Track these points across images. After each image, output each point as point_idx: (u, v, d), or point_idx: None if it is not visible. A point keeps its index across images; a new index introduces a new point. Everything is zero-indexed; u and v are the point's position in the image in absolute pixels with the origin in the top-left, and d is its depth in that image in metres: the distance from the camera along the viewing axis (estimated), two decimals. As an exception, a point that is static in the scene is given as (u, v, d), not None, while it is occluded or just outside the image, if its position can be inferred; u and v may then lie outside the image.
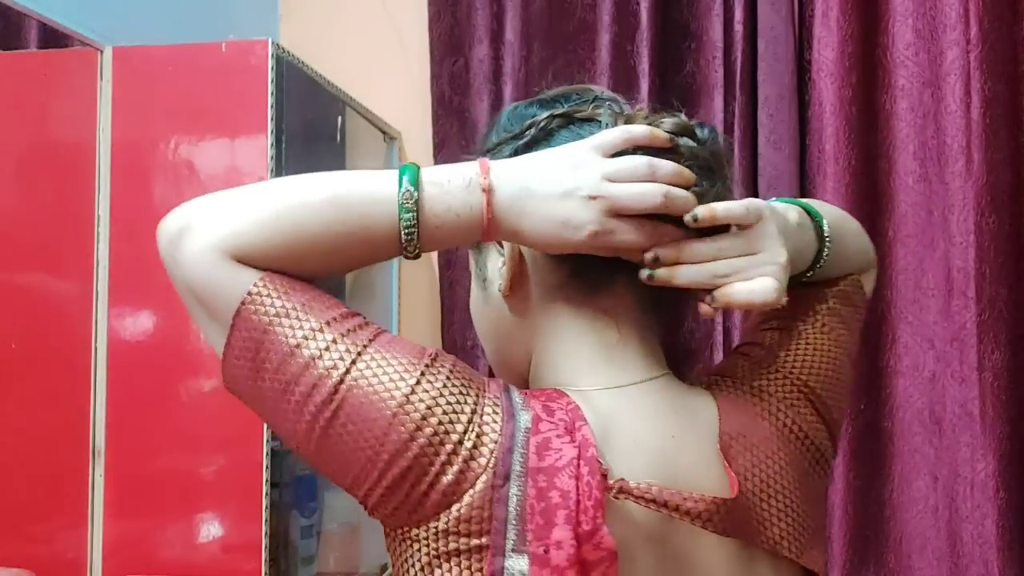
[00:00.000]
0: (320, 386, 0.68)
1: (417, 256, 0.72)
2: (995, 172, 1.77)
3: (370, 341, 0.70)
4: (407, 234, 0.70)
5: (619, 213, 0.71)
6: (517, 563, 0.67)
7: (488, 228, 0.71)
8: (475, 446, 0.68)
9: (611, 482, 0.69)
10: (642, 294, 0.78)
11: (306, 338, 0.69)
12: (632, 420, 0.75)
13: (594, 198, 0.70)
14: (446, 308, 2.05)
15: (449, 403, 0.69)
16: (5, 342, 1.49)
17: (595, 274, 0.77)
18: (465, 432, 0.68)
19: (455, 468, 0.68)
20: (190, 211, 0.71)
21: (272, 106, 1.54)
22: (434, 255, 2.10)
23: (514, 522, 0.67)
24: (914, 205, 1.83)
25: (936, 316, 1.81)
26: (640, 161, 0.71)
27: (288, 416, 0.70)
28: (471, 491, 0.68)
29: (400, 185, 0.70)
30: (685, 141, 0.75)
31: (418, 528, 0.69)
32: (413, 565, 0.70)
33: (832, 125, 1.85)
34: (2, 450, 1.48)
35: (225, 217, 0.70)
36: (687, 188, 0.72)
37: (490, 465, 0.68)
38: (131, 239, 1.57)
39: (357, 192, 0.71)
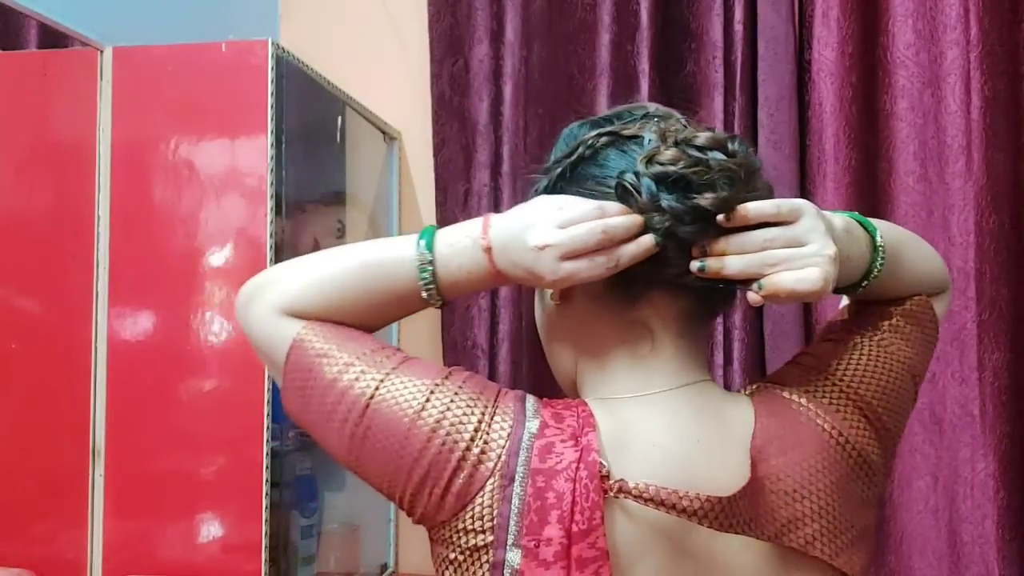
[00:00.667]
0: (354, 409, 0.79)
1: (443, 306, 0.83)
2: (995, 172, 1.77)
3: (394, 368, 0.80)
4: (427, 291, 0.81)
5: (572, 256, 0.76)
6: (514, 556, 0.74)
7: (498, 278, 0.81)
8: (483, 451, 0.76)
9: (610, 483, 0.74)
10: (681, 304, 0.83)
11: (341, 372, 0.80)
12: (654, 426, 0.80)
13: (542, 248, 0.76)
14: (446, 309, 2.05)
15: (456, 415, 0.78)
16: (5, 342, 1.49)
17: (632, 285, 0.81)
18: (473, 439, 0.77)
19: (466, 472, 0.76)
20: (259, 281, 0.87)
21: (272, 106, 1.54)
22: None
23: (515, 519, 0.74)
24: (914, 205, 1.83)
25: (936, 316, 1.81)
26: (588, 208, 0.77)
27: (333, 436, 0.81)
28: (482, 492, 0.76)
29: (417, 248, 0.81)
30: (714, 155, 0.78)
31: (444, 528, 0.78)
32: (444, 560, 0.78)
33: (832, 125, 1.85)
34: (2, 450, 1.48)
35: (280, 287, 0.85)
36: (636, 232, 0.77)
37: (497, 468, 0.76)
38: (131, 239, 1.57)
39: (383, 257, 0.83)
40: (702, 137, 0.79)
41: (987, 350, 1.75)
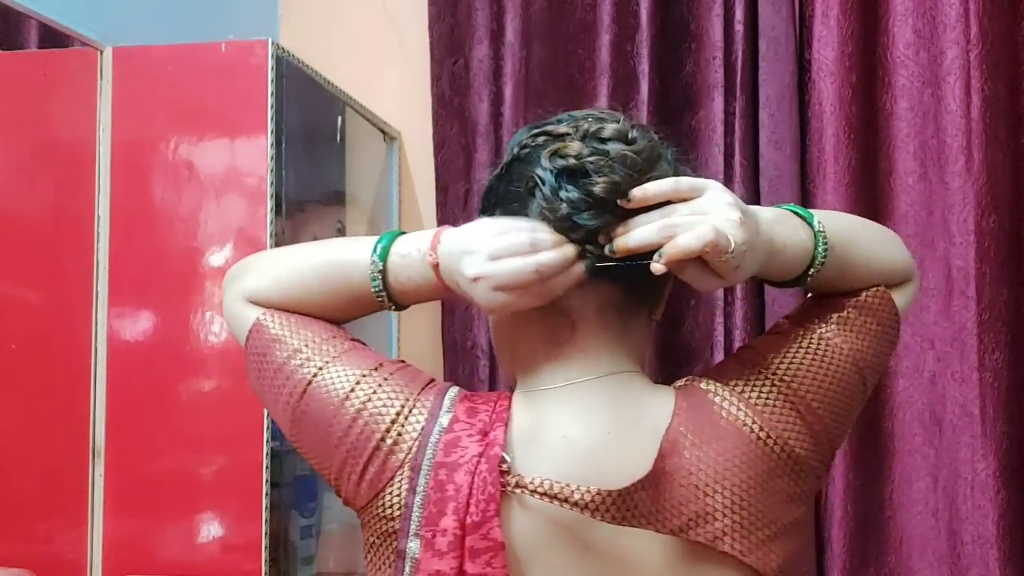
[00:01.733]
0: (294, 392, 0.85)
1: (398, 310, 0.87)
2: (995, 172, 1.77)
3: (335, 357, 0.85)
4: (378, 297, 0.85)
5: (503, 288, 0.78)
6: (414, 545, 0.78)
7: (447, 292, 0.83)
8: (395, 443, 0.80)
9: (509, 477, 0.77)
10: (603, 295, 0.83)
11: (289, 358, 0.86)
12: (566, 418, 0.82)
13: (476, 280, 0.78)
14: (446, 309, 2.06)
15: (376, 406, 0.82)
16: (5, 342, 1.49)
17: None
18: (388, 430, 0.81)
19: (379, 461, 0.80)
20: (237, 268, 0.94)
21: (272, 106, 1.54)
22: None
23: (417, 510, 0.78)
24: (914, 205, 1.83)
25: (936, 316, 1.81)
26: (522, 240, 0.78)
27: (279, 415, 0.87)
28: (392, 481, 0.80)
29: (371, 255, 0.84)
30: (614, 145, 0.80)
31: (363, 512, 0.82)
32: (366, 543, 0.83)
33: (832, 125, 1.85)
34: (2, 450, 1.48)
35: (253, 275, 0.91)
36: (570, 262, 0.78)
37: (407, 460, 0.80)
38: (131, 239, 1.57)
39: (343, 259, 0.87)
40: (608, 129, 0.81)
41: (987, 350, 1.75)
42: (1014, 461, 1.75)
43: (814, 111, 1.88)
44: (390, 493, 0.79)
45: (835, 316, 0.87)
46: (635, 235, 0.77)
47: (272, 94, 1.54)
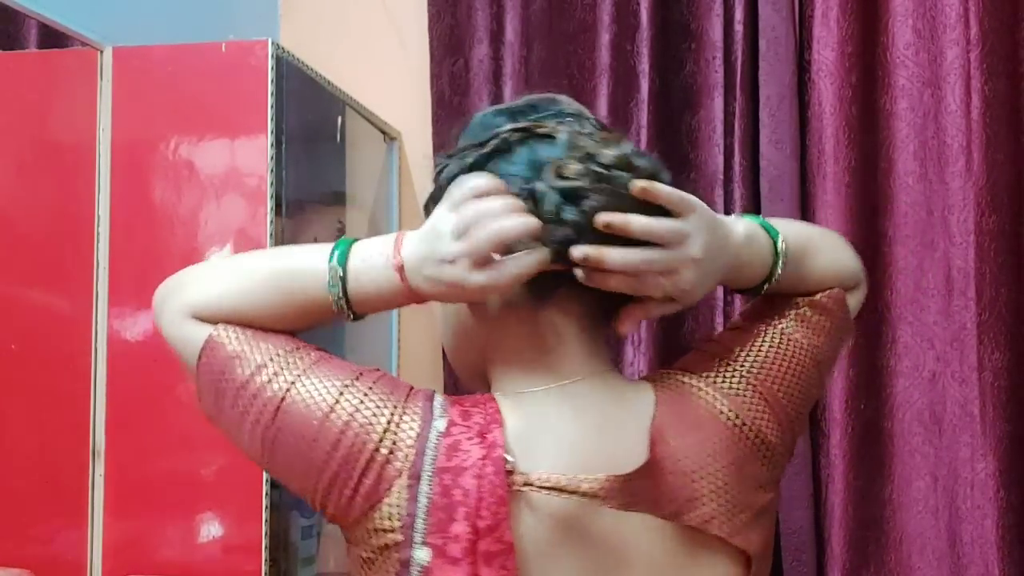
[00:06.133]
0: (265, 411, 0.80)
1: (353, 319, 0.83)
2: (995, 172, 1.77)
3: (306, 369, 0.81)
4: (337, 304, 0.81)
5: (485, 261, 0.77)
6: (422, 554, 0.76)
7: (411, 297, 0.81)
8: (391, 451, 0.78)
9: (515, 477, 0.77)
10: (584, 304, 0.85)
11: (254, 374, 0.81)
12: (559, 418, 0.83)
13: (455, 260, 0.77)
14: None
15: (365, 415, 0.79)
16: (5, 343, 1.49)
17: (541, 284, 0.83)
18: (381, 440, 0.78)
19: (374, 472, 0.78)
20: (171, 282, 0.89)
21: (272, 106, 1.54)
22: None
23: (422, 517, 0.76)
24: (914, 205, 1.83)
25: (936, 316, 1.81)
26: (476, 209, 0.77)
27: (246, 438, 0.83)
28: (390, 491, 0.77)
29: (329, 260, 0.81)
30: (618, 174, 0.80)
31: (356, 527, 0.79)
32: (358, 560, 0.80)
33: (832, 125, 1.85)
34: (2, 450, 1.48)
35: (193, 289, 0.86)
36: (533, 229, 0.78)
37: (406, 468, 0.77)
38: (131, 239, 1.57)
39: (296, 267, 0.83)
40: (608, 155, 0.81)
41: (987, 350, 1.75)
42: (1014, 461, 1.75)
43: (814, 111, 1.88)
44: (388, 504, 0.77)
45: (793, 314, 0.93)
46: (611, 255, 0.78)
47: (272, 94, 1.54)
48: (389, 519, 0.77)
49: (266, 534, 1.49)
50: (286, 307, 0.83)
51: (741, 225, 0.87)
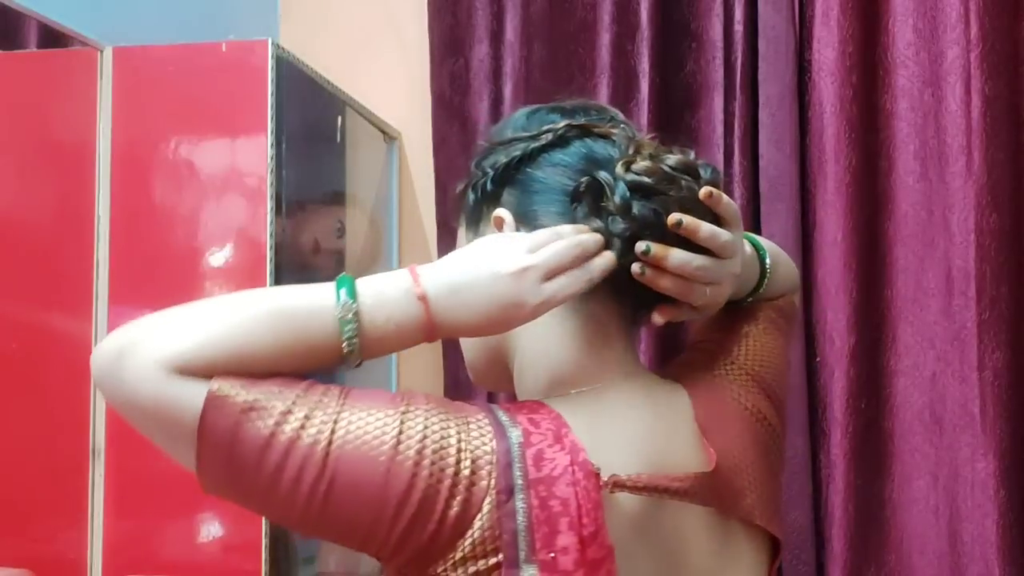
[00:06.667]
0: (308, 463, 0.69)
1: (359, 364, 0.75)
2: (995, 172, 1.76)
3: (342, 405, 0.71)
4: (348, 345, 0.73)
5: (552, 275, 0.76)
6: (530, 571, 0.71)
7: (429, 332, 0.75)
8: (472, 472, 0.71)
9: (604, 480, 0.74)
10: (622, 301, 0.85)
11: (279, 424, 0.70)
12: (616, 417, 0.82)
13: (524, 270, 0.75)
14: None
15: (435, 440, 0.71)
16: (5, 342, 1.49)
17: None
18: (459, 462, 0.71)
19: (460, 498, 0.71)
20: (130, 333, 0.72)
21: (272, 106, 1.54)
22: (434, 255, 2.10)
23: (523, 533, 0.71)
24: (914, 205, 1.83)
25: (936, 316, 1.81)
26: (547, 232, 0.78)
27: (282, 502, 0.72)
28: (480, 514, 0.71)
29: (338, 298, 0.72)
30: (686, 178, 0.81)
31: (438, 564, 0.71)
32: None
33: (832, 125, 1.85)
34: (2, 450, 1.48)
35: (165, 340, 0.71)
36: (601, 246, 0.79)
37: (491, 485, 0.71)
38: (131, 239, 1.57)
39: (296, 307, 0.74)
40: (673, 159, 0.82)
41: (987, 350, 1.75)
42: (1014, 460, 1.75)
43: (814, 111, 1.88)
44: (479, 527, 0.70)
45: (763, 316, 0.99)
46: (675, 256, 0.79)
47: (272, 94, 1.54)
48: (483, 543, 0.71)
49: (266, 534, 1.49)
50: (281, 353, 0.72)
51: (748, 247, 0.92)
